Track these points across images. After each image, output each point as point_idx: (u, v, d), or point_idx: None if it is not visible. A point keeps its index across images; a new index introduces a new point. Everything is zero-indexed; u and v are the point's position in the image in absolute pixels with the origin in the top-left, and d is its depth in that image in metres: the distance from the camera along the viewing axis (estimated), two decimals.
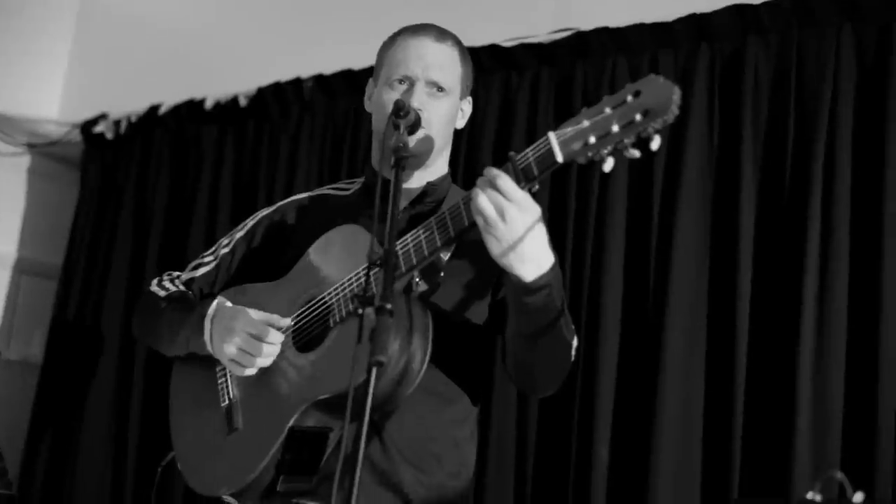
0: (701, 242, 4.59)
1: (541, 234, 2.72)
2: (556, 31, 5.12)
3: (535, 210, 2.67)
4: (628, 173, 4.80)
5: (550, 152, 2.59)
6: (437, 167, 3.28)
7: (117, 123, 6.95)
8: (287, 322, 3.08)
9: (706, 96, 4.69)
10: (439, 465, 3.11)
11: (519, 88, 5.20)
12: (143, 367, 6.26)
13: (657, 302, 4.61)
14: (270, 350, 3.04)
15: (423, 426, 3.09)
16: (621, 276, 4.74)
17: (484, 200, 2.65)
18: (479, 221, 2.67)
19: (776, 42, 4.60)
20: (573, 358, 3.07)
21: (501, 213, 2.63)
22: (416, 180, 3.24)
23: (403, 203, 3.21)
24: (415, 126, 3.08)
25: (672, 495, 4.42)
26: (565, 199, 4.93)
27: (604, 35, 4.96)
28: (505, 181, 2.63)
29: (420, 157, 3.16)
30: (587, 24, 5.03)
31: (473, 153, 5.20)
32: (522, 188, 2.64)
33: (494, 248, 2.69)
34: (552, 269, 2.77)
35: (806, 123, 4.45)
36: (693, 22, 4.74)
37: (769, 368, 4.35)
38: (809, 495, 2.16)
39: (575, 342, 3.06)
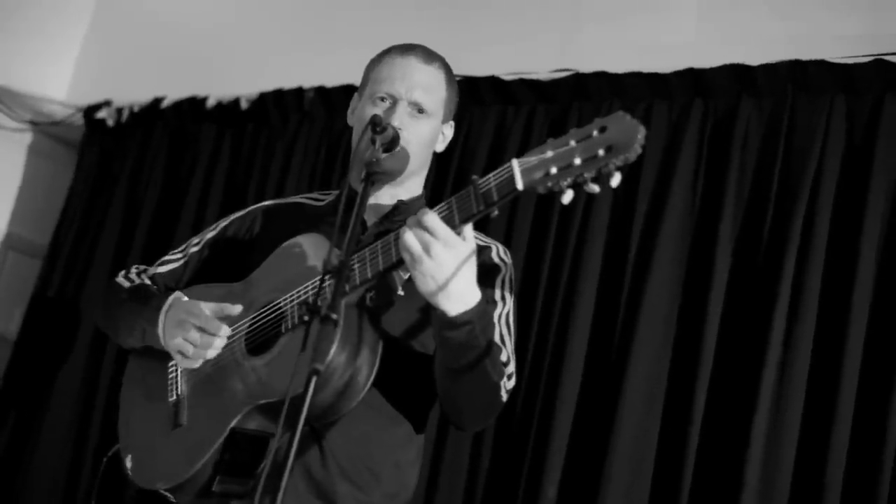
0: (672, 294, 4.61)
1: (469, 271, 2.72)
2: (556, 70, 5.15)
3: (462, 247, 2.68)
4: (609, 216, 4.81)
5: (511, 179, 2.58)
6: (411, 186, 3.29)
7: (119, 111, 7.00)
8: (238, 309, 3.08)
9: (695, 150, 4.71)
10: (377, 484, 3.10)
11: (514, 122, 5.22)
12: (113, 353, 6.28)
13: (621, 350, 4.62)
14: (215, 342, 3.05)
15: (366, 443, 3.08)
16: (589, 321, 4.76)
17: (410, 237, 2.66)
18: (406, 258, 2.68)
19: (769, 104, 4.62)
20: (504, 398, 3.05)
21: (427, 250, 2.64)
22: (388, 197, 3.25)
23: (373, 218, 3.22)
24: (392, 143, 3.08)
25: None
26: (544, 237, 4.94)
27: (602, 79, 4.98)
28: (430, 218, 2.65)
29: (393, 175, 3.17)
30: (587, 67, 5.05)
31: (462, 180, 5.20)
32: (481, 212, 2.63)
33: (420, 283, 2.70)
34: (477, 305, 2.77)
35: (789, 187, 4.46)
36: (689, 76, 4.77)
37: (722, 434, 4.35)
38: None
39: (508, 384, 3.05)
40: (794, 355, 4.27)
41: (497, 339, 3.02)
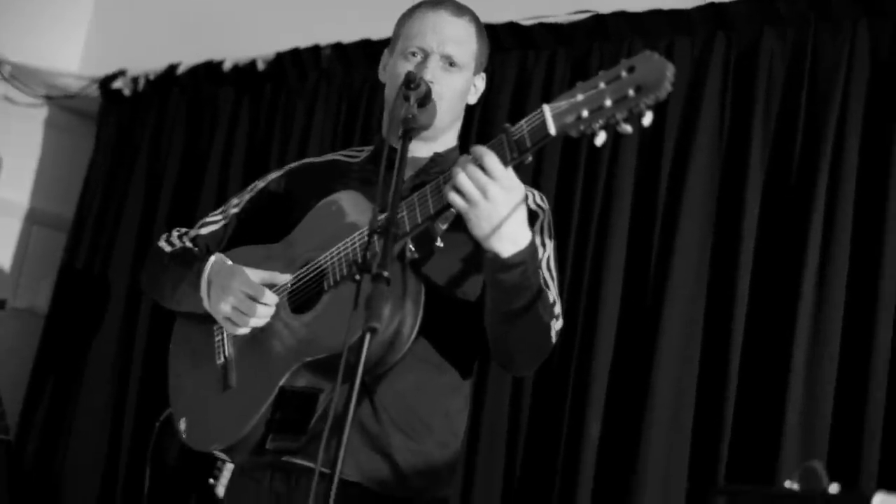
0: (704, 231, 4.60)
1: (520, 213, 2.74)
2: (574, 13, 5.13)
3: (517, 188, 2.70)
4: (637, 157, 4.81)
5: (543, 124, 2.60)
6: (446, 139, 3.31)
7: (135, 80, 6.96)
8: (286, 278, 3.11)
9: (720, 85, 4.70)
10: (429, 434, 3.14)
11: (535, 67, 5.22)
12: (146, 323, 6.30)
13: (657, 288, 4.63)
14: (264, 311, 3.07)
15: (415, 394, 3.12)
16: (623, 261, 4.76)
17: (464, 179, 2.67)
18: (458, 201, 2.70)
19: (792, 34, 4.60)
20: (554, 340, 3.07)
21: (484, 191, 2.65)
22: (424, 151, 3.26)
23: (409, 172, 3.22)
24: (425, 98, 3.08)
25: (660, 478, 4.44)
26: (574, 176, 4.95)
27: (621, 19, 4.97)
28: (490, 159, 2.66)
29: (428, 129, 3.18)
30: (606, 7, 5.04)
31: (486, 128, 5.21)
32: (515, 159, 2.66)
33: (474, 226, 2.72)
34: (529, 247, 2.79)
35: (816, 115, 4.45)
36: (710, 10, 4.75)
37: (763, 358, 4.36)
38: (788, 484, 2.19)
39: (557, 325, 3.07)
40: (829, 285, 4.27)
41: (543, 282, 3.03)
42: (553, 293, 3.08)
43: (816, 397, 4.21)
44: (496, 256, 2.75)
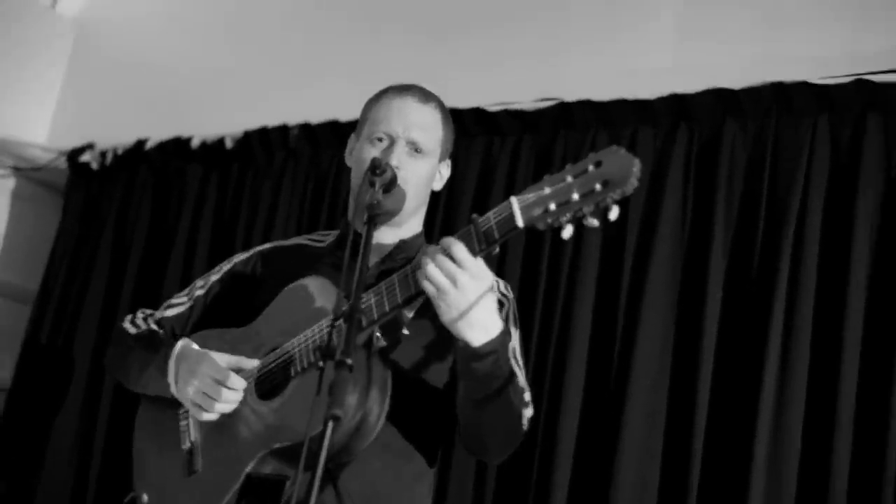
0: (667, 321, 4.64)
1: (490, 302, 2.76)
2: (540, 100, 5.19)
3: (487, 277, 2.72)
4: (600, 246, 4.85)
5: (511, 217, 2.61)
6: (411, 225, 3.33)
7: (104, 154, 6.97)
8: (255, 363, 3.11)
9: (682, 174, 4.75)
10: None
11: (500, 153, 5.26)
12: (109, 398, 6.25)
13: (619, 378, 4.64)
14: (231, 396, 3.08)
15: (380, 481, 3.11)
16: (586, 351, 4.78)
17: (434, 269, 2.69)
18: (429, 289, 2.71)
19: (754, 127, 4.67)
20: (525, 427, 3.09)
21: (454, 280, 2.67)
22: (390, 237, 3.28)
23: (374, 259, 3.25)
24: (391, 184, 3.12)
25: None
26: (537, 267, 4.97)
27: (587, 107, 5.03)
28: (458, 249, 2.68)
29: (394, 214, 3.20)
30: (571, 96, 5.09)
31: (451, 214, 5.26)
32: (483, 250, 2.68)
33: (444, 315, 2.73)
34: (500, 335, 2.81)
35: (777, 207, 4.51)
36: (674, 102, 4.81)
37: (725, 450, 4.39)
38: None
39: (528, 412, 3.08)
40: (790, 374, 4.31)
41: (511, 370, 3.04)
42: (522, 380, 3.08)
43: (781, 476, 4.23)
44: (467, 345, 2.77)
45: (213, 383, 3.08)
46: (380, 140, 3.22)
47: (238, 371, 3.12)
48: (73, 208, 7.09)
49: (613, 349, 4.72)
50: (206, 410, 3.10)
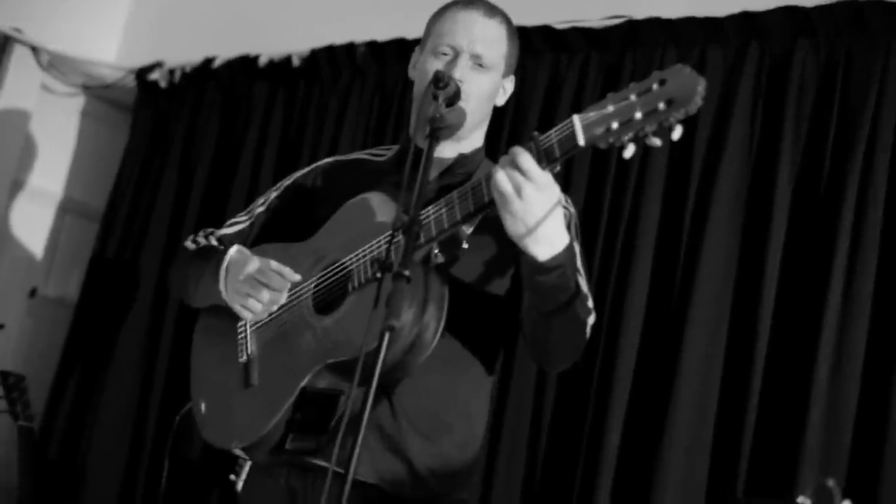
0: (731, 240, 4.59)
1: (557, 215, 2.72)
2: (608, 18, 5.12)
3: (553, 190, 2.68)
4: (667, 165, 4.80)
5: (573, 135, 2.58)
6: (472, 140, 3.30)
7: (172, 72, 7.01)
8: (297, 277, 3.10)
9: (751, 95, 4.68)
10: (448, 436, 3.14)
11: (567, 71, 5.20)
12: (174, 315, 6.34)
13: (682, 296, 4.62)
14: (274, 297, 3.09)
15: (435, 395, 3.12)
16: (649, 267, 4.75)
17: (502, 177, 2.66)
18: (497, 198, 2.68)
19: (825, 46, 4.57)
20: (588, 335, 3.08)
21: (518, 191, 2.64)
22: (450, 151, 3.26)
23: (434, 172, 3.22)
24: (454, 98, 3.09)
25: (678, 490, 4.44)
26: (602, 185, 4.94)
27: (655, 25, 4.95)
28: (525, 159, 2.64)
29: (455, 129, 3.17)
30: (640, 13, 5.03)
31: (517, 131, 5.20)
32: (543, 168, 2.65)
33: (510, 226, 2.70)
34: (566, 249, 2.78)
35: (847, 130, 4.42)
36: (744, 19, 4.72)
37: (786, 372, 4.34)
38: (800, 499, 2.18)
39: (591, 319, 3.07)
40: (854, 300, 4.25)
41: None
42: (585, 288, 3.07)
43: (838, 415, 4.19)
44: (533, 259, 2.75)
45: (257, 283, 3.10)
46: (444, 53, 3.19)
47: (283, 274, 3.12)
48: (140, 126, 7.15)
49: (676, 269, 4.68)
50: (250, 310, 3.13)
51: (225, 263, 3.22)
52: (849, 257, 4.29)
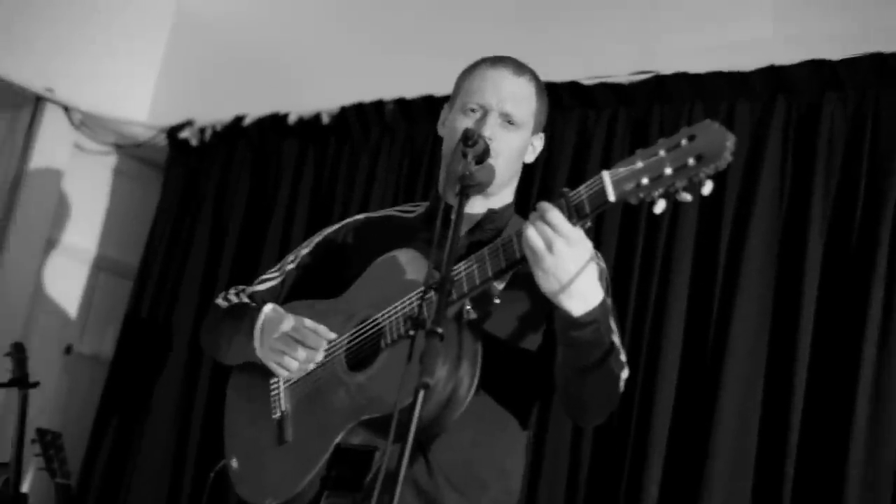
0: (764, 293, 4.59)
1: (590, 270, 2.72)
2: (635, 73, 5.16)
3: (585, 245, 2.68)
4: (697, 220, 4.82)
5: (603, 191, 2.59)
6: (502, 196, 3.31)
7: (202, 131, 7.08)
8: (332, 335, 3.12)
9: (780, 148, 4.69)
10: (484, 492, 3.13)
11: (595, 126, 5.23)
12: (208, 371, 6.36)
13: (716, 350, 4.62)
14: (310, 355, 3.11)
15: (471, 451, 3.11)
16: (682, 321, 4.75)
17: (533, 233, 2.67)
18: (528, 254, 2.69)
19: (853, 99, 4.58)
20: (622, 390, 3.07)
21: (550, 246, 2.65)
22: (479, 206, 3.27)
23: (464, 229, 3.23)
24: (483, 155, 3.10)
25: None
26: (633, 240, 4.95)
27: (682, 80, 4.98)
28: (554, 215, 2.65)
29: (485, 186, 3.18)
30: (667, 69, 5.06)
31: (547, 188, 5.23)
32: (574, 224, 2.65)
33: (542, 282, 2.71)
34: (601, 304, 2.78)
35: (877, 182, 4.43)
36: (771, 74, 4.75)
37: (824, 427, 4.33)
38: None
39: (625, 374, 3.06)
40: (890, 352, 4.25)
41: None
42: (618, 342, 3.05)
43: (877, 471, 4.19)
44: (567, 315, 2.75)
45: (292, 341, 3.12)
46: (473, 111, 3.20)
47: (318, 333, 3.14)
48: (172, 184, 7.20)
49: (710, 324, 4.68)
50: (286, 368, 3.15)
51: (260, 321, 3.24)
52: (883, 308, 4.28)
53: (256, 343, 3.23)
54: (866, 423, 4.21)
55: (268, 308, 3.27)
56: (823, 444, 4.32)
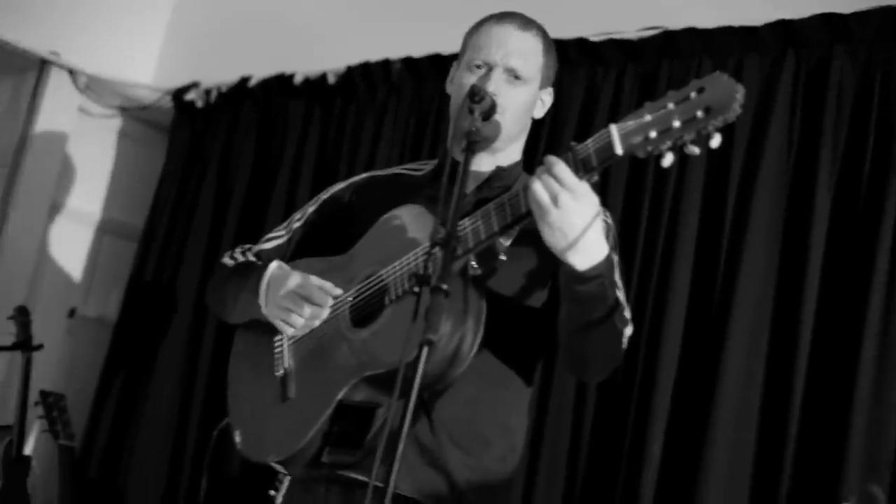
0: (771, 248, 4.55)
1: (596, 225, 2.70)
2: (644, 29, 5.10)
3: (591, 199, 2.66)
4: (704, 174, 4.77)
5: (610, 144, 2.56)
6: (509, 153, 3.29)
7: (208, 92, 7.06)
8: (338, 291, 3.11)
9: (789, 103, 4.64)
10: (487, 449, 3.13)
11: (604, 83, 5.18)
12: (213, 333, 6.36)
13: (722, 305, 4.58)
14: (315, 312, 3.10)
15: (474, 409, 3.11)
16: (689, 276, 4.72)
17: (539, 187, 2.64)
18: (534, 208, 2.67)
19: (863, 52, 4.52)
20: (625, 346, 3.07)
21: (556, 200, 2.62)
22: (487, 164, 3.26)
23: (471, 186, 3.22)
24: (490, 111, 3.09)
25: (722, 497, 4.39)
26: (640, 195, 4.91)
27: (691, 35, 4.93)
28: (561, 168, 2.62)
29: (491, 142, 3.17)
30: (675, 24, 5.00)
31: (554, 144, 5.18)
32: (581, 178, 2.63)
33: (547, 236, 2.69)
34: (605, 260, 2.76)
35: (886, 137, 4.38)
36: (780, 28, 4.69)
37: (828, 379, 4.29)
38: None
39: (628, 331, 3.05)
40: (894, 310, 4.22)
41: None
42: (623, 299, 3.04)
43: (881, 421, 4.15)
44: (572, 269, 2.74)
45: (299, 298, 3.10)
46: (478, 67, 3.19)
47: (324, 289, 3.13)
48: (177, 147, 7.19)
49: (716, 279, 4.65)
50: (291, 325, 3.13)
51: (266, 279, 3.23)
52: (889, 263, 4.24)
53: (262, 300, 3.22)
54: (870, 380, 4.17)
55: (273, 265, 3.26)
56: (828, 397, 4.28)
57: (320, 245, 3.44)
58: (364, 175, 3.58)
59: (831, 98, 4.53)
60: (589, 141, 2.63)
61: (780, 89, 4.65)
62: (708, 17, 4.91)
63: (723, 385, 4.46)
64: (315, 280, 3.13)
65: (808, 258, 4.41)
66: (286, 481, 3.37)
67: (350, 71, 6.27)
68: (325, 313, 3.11)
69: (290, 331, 3.16)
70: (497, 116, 3.12)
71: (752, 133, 4.68)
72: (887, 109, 4.42)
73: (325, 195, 3.55)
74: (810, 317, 4.36)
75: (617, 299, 2.92)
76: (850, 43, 4.55)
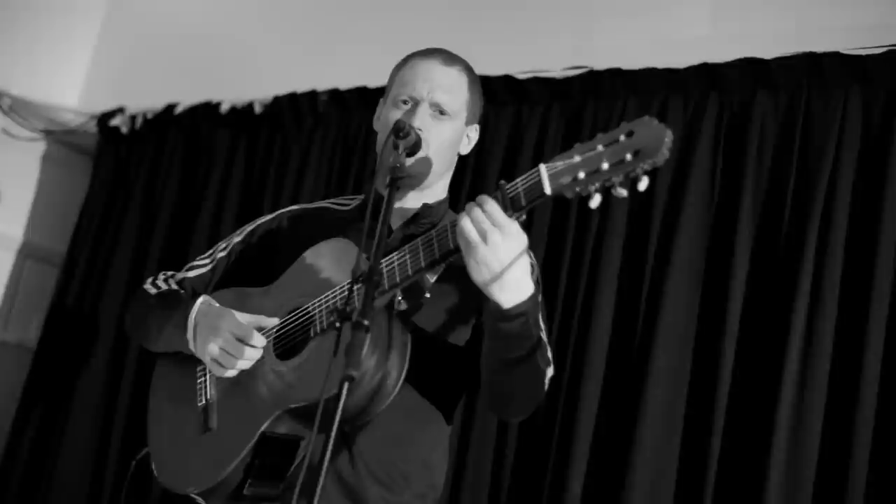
0: (692, 290, 4.60)
1: (523, 263, 2.72)
2: (570, 68, 5.15)
3: (519, 237, 2.68)
4: (627, 214, 4.81)
5: (539, 184, 2.59)
6: (435, 190, 3.30)
7: (133, 118, 7.01)
8: (274, 322, 3.11)
9: (711, 145, 4.71)
10: (407, 485, 3.13)
11: (529, 120, 5.22)
12: (134, 361, 6.31)
13: (643, 346, 4.62)
14: (252, 353, 3.07)
15: (395, 444, 3.11)
16: (611, 315, 4.75)
17: (468, 223, 2.66)
18: (462, 244, 2.69)
19: (785, 98, 4.60)
20: (546, 387, 3.07)
21: (484, 237, 2.64)
22: (413, 201, 3.27)
23: (398, 222, 3.24)
24: (415, 147, 3.10)
25: None
26: (563, 234, 4.95)
27: (617, 76, 4.98)
28: (491, 205, 2.65)
29: (417, 179, 3.18)
30: (601, 64, 5.05)
31: (479, 181, 5.22)
32: (510, 216, 2.65)
33: (474, 272, 2.70)
34: (531, 298, 2.77)
35: (807, 180, 4.45)
36: (704, 71, 4.76)
37: (747, 423, 4.35)
38: None
39: (550, 371, 3.07)
40: (815, 350, 4.26)
41: None
42: (545, 339, 3.06)
43: (800, 464, 4.21)
44: (497, 306, 2.75)
45: (235, 340, 3.07)
46: (404, 103, 3.20)
47: (258, 329, 3.11)
48: (102, 172, 7.14)
49: (637, 318, 4.69)
50: (226, 367, 3.09)
51: (193, 314, 3.20)
52: (808, 306, 4.30)
53: (190, 336, 3.19)
54: (789, 416, 4.23)
55: (200, 300, 3.24)
56: (747, 442, 4.33)
57: (245, 275, 3.43)
58: (292, 207, 3.58)
59: (753, 140, 4.60)
60: (518, 180, 2.66)
61: (703, 131, 4.72)
62: (633, 59, 4.96)
63: (643, 426, 4.49)
64: (248, 318, 3.12)
65: (728, 297, 4.46)
66: None
67: (277, 101, 6.27)
68: (255, 353, 3.08)
69: (222, 372, 3.12)
70: (422, 152, 3.13)
71: (675, 174, 4.73)
72: (808, 152, 4.49)
73: (250, 226, 3.54)
74: (730, 360, 4.42)
75: (540, 338, 2.93)
76: (773, 87, 4.62)
